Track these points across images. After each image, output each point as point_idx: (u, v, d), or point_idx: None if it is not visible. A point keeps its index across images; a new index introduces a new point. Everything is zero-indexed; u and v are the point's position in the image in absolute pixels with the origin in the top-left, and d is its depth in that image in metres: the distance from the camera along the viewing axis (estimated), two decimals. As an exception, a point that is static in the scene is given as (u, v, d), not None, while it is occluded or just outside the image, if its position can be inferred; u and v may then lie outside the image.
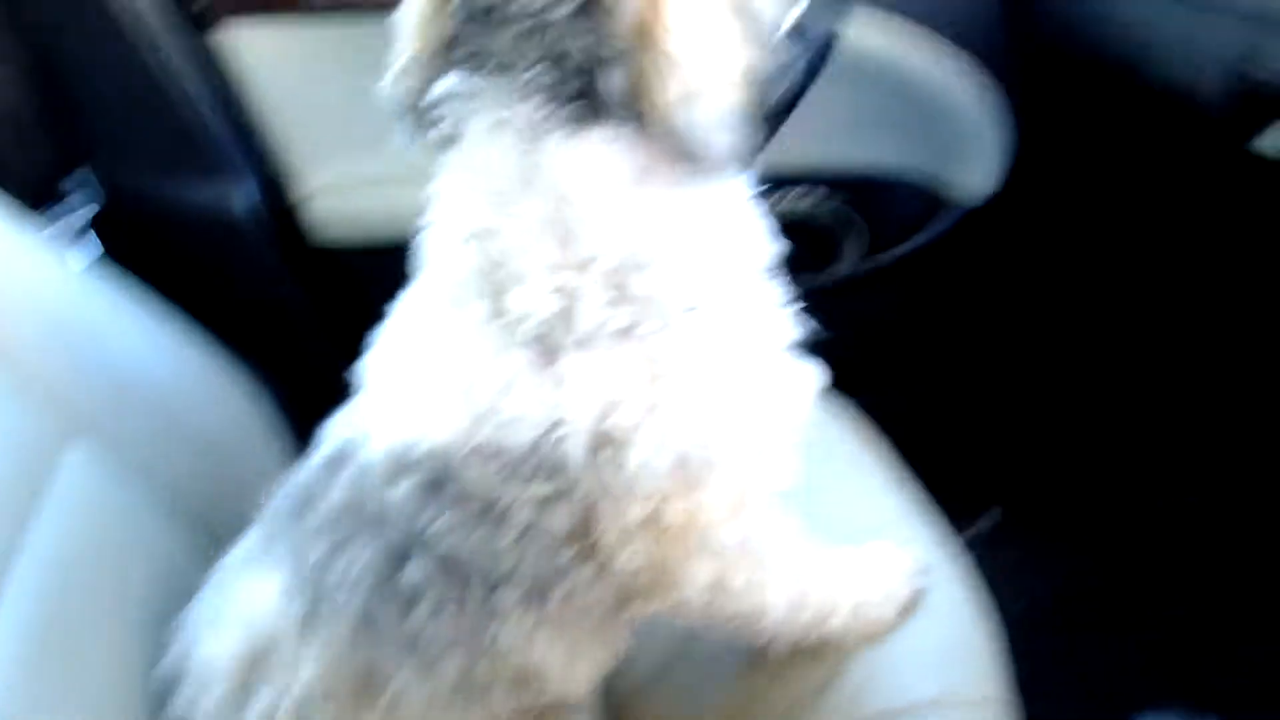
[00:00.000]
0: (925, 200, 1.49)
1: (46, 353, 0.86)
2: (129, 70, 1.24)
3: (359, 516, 0.74)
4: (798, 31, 1.29)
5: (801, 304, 0.76)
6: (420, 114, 0.70)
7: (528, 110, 0.64)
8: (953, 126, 1.42)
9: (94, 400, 0.88)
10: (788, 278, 0.76)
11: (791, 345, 0.75)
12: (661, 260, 0.67)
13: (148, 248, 1.33)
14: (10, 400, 0.81)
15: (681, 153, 0.64)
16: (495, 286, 0.66)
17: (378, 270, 0.79)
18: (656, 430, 0.67)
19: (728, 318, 0.71)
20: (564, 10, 0.62)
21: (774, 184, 1.44)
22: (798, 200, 1.45)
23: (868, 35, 1.33)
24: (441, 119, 0.68)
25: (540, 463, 0.67)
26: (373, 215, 1.36)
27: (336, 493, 0.75)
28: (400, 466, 0.70)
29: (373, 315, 0.76)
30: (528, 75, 0.63)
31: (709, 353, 0.69)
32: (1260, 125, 1.05)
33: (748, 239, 0.73)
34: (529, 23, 0.62)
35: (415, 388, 0.71)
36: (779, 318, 0.74)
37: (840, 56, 1.32)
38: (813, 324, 0.76)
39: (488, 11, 0.64)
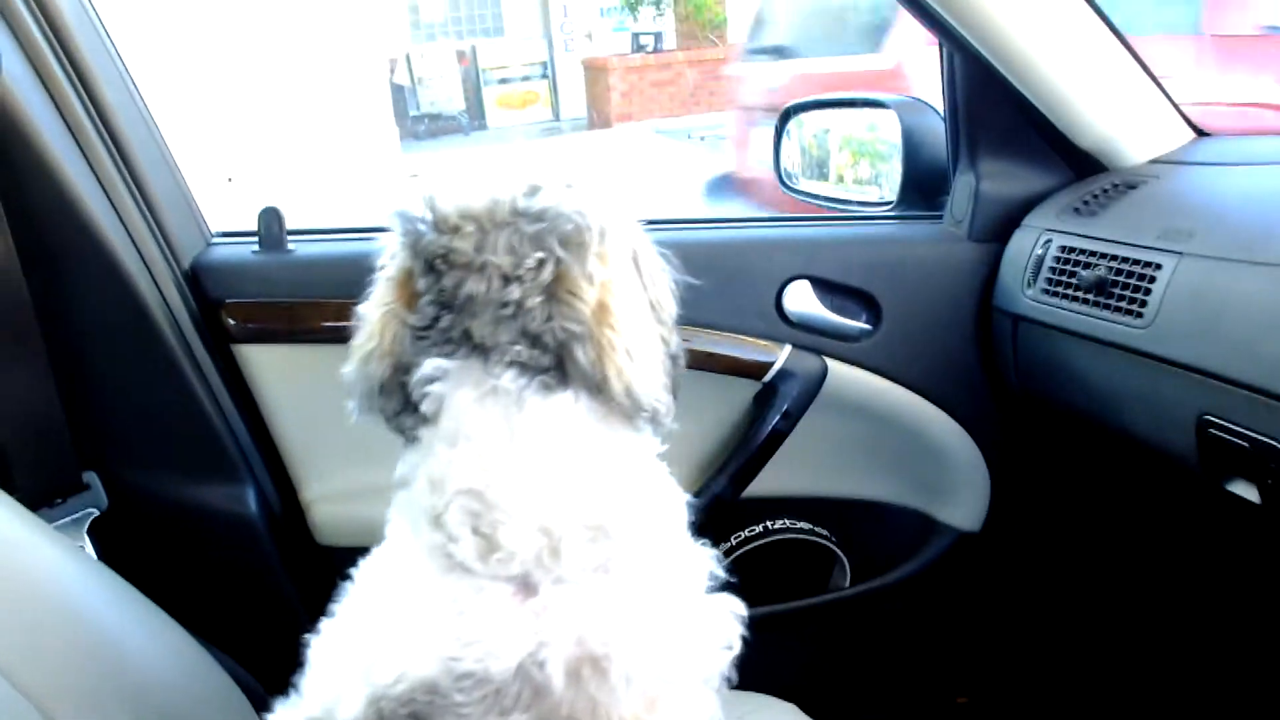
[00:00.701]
0: (912, 530, 1.53)
1: (46, 653, 0.86)
2: (163, 375, 1.33)
3: None
4: (787, 371, 1.40)
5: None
6: (385, 394, 0.81)
7: (508, 380, 0.74)
8: (939, 465, 1.49)
9: (78, 697, 0.87)
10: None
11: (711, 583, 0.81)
12: (629, 500, 0.77)
13: (145, 548, 1.35)
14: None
15: (631, 409, 0.77)
16: (483, 531, 0.73)
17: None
18: (630, 653, 0.72)
19: (674, 554, 0.80)
20: (536, 299, 0.74)
21: (769, 510, 1.49)
22: (791, 525, 1.49)
23: (858, 379, 1.42)
24: (421, 395, 0.77)
25: (521, 689, 0.71)
26: (368, 522, 1.40)
27: None
28: (380, 712, 0.71)
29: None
30: (507, 353, 0.74)
31: (670, 583, 0.77)
32: (1228, 475, 1.07)
33: (671, 489, 0.83)
34: (508, 310, 0.74)
35: (390, 631, 0.73)
36: (703, 558, 0.81)
37: (830, 396, 1.41)
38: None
39: (468, 300, 0.74)
